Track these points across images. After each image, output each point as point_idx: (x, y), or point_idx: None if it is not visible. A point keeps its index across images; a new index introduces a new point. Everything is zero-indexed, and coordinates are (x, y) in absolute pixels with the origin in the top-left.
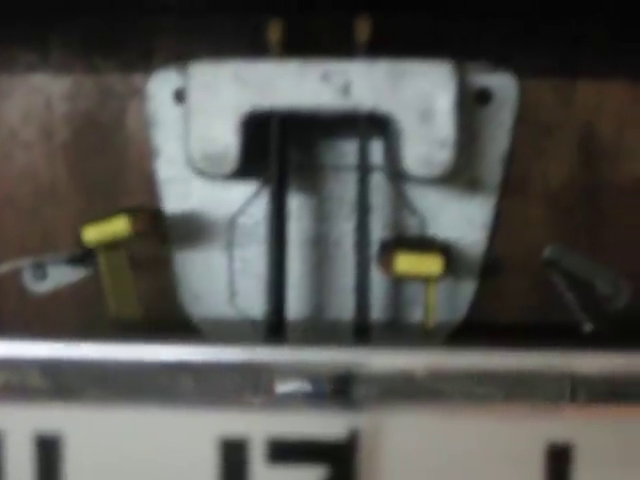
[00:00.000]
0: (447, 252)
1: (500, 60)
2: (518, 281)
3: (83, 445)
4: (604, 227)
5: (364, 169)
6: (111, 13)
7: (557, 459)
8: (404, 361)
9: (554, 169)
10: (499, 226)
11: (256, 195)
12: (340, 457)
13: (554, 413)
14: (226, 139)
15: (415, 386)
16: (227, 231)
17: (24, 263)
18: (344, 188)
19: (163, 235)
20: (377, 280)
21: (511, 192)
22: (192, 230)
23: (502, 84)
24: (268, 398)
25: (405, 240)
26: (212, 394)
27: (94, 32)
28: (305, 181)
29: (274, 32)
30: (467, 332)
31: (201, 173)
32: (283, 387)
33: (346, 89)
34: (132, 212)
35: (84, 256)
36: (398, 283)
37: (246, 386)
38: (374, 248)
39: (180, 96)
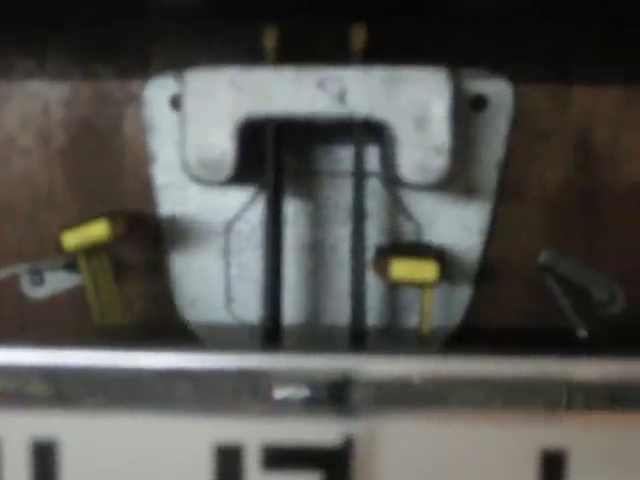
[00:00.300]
0: (442, 258)
1: (495, 66)
2: (514, 286)
3: (79, 452)
4: (600, 232)
5: (360, 175)
6: (108, 20)
7: (551, 466)
8: (400, 367)
9: (550, 174)
10: (495, 232)
11: (252, 201)
12: (335, 463)
13: (548, 420)
14: (222, 146)
15: (411, 392)
16: (223, 237)
17: (21, 269)
18: (340, 194)
19: (153, 239)
20: (373, 286)
21: (507, 198)
22: (188, 236)
23: (497, 90)
24: (266, 404)
25: (400, 246)
26: (209, 401)
27: (91, 39)
28: (301, 187)
29: (269, 40)
30: (463, 338)
31: (197, 179)
32: (281, 393)
33: (342, 96)
34: (112, 216)
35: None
36: (394, 289)
37: (244, 393)
38: (370, 254)
39: (177, 102)
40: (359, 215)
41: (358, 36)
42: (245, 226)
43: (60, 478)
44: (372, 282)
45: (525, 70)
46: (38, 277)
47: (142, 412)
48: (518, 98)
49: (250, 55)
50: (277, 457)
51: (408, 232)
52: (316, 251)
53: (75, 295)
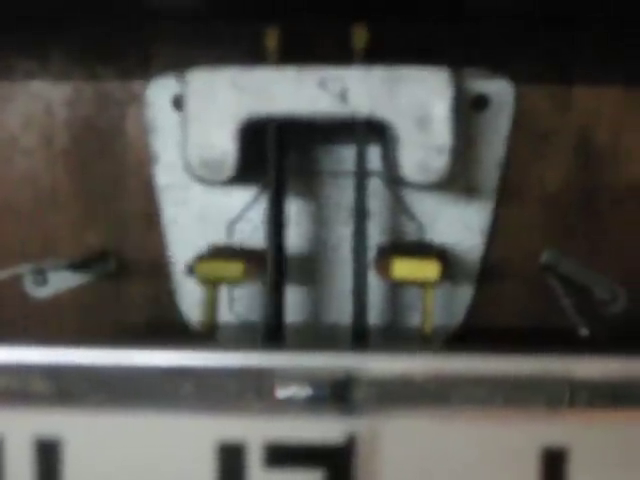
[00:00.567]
0: (444, 257)
1: (497, 66)
2: (515, 286)
3: (83, 449)
4: (601, 232)
5: (361, 175)
6: (110, 20)
7: (552, 463)
8: (402, 366)
9: (551, 174)
10: (496, 231)
11: (255, 201)
12: (338, 461)
13: (550, 418)
14: (224, 146)
15: (413, 390)
16: (226, 236)
17: (24, 269)
18: (342, 194)
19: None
20: (375, 285)
21: (508, 197)
22: (191, 235)
23: (499, 90)
24: (269, 403)
25: (402, 245)
26: (212, 399)
27: (93, 39)
28: (303, 187)
29: (271, 40)
30: (465, 337)
31: (199, 180)
32: (284, 392)
33: (343, 96)
34: (246, 256)
35: (84, 262)
36: (396, 288)
37: (247, 391)
38: (372, 253)
39: (179, 103)
40: (361, 215)
41: (359, 36)
42: (247, 226)
43: (63, 476)
44: (374, 281)
45: (526, 70)
46: (41, 277)
47: (145, 410)
48: (519, 98)
49: (251, 55)
50: (280, 455)
51: (410, 232)
52: (318, 250)
53: (78, 295)
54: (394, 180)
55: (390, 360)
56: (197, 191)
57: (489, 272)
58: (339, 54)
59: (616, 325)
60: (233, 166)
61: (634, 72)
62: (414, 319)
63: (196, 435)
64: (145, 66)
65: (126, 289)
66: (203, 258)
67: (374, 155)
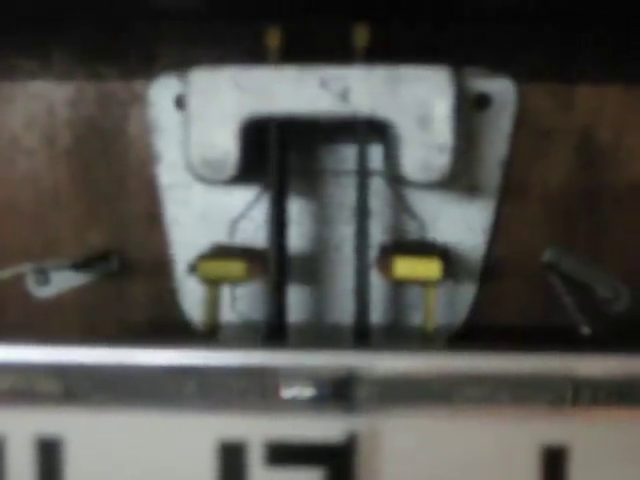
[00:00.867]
0: (446, 256)
1: (498, 65)
2: (518, 284)
3: (84, 448)
4: (603, 230)
5: (363, 174)
6: (112, 20)
7: (552, 461)
8: (404, 364)
9: (553, 173)
10: (498, 230)
11: (257, 200)
12: (339, 460)
13: (549, 416)
14: (226, 145)
15: (415, 389)
16: (228, 235)
17: (27, 268)
18: (344, 193)
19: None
20: (377, 284)
21: (510, 196)
22: (193, 235)
23: (501, 89)
24: (271, 402)
25: (404, 244)
26: (214, 398)
27: (95, 39)
28: (305, 186)
29: (272, 39)
30: (467, 336)
31: (201, 179)
32: (289, 391)
33: (344, 95)
34: (248, 256)
35: (87, 262)
36: (398, 287)
37: (252, 390)
38: (374, 252)
39: (181, 102)
40: (363, 214)
41: (361, 35)
42: (250, 225)
43: (64, 475)
44: (376, 280)
45: (528, 69)
46: (44, 276)
47: (146, 409)
48: (521, 97)
49: (253, 55)
50: (281, 453)
51: (412, 230)
52: (320, 249)
53: (81, 294)
54: (396, 179)
55: (392, 359)
56: (199, 190)
57: (491, 270)
58: (340, 53)
59: (618, 323)
60: (235, 165)
61: (636, 71)
62: (416, 318)
63: (197, 433)
64: (147, 66)
65: (128, 288)
66: (205, 257)
67: (376, 154)
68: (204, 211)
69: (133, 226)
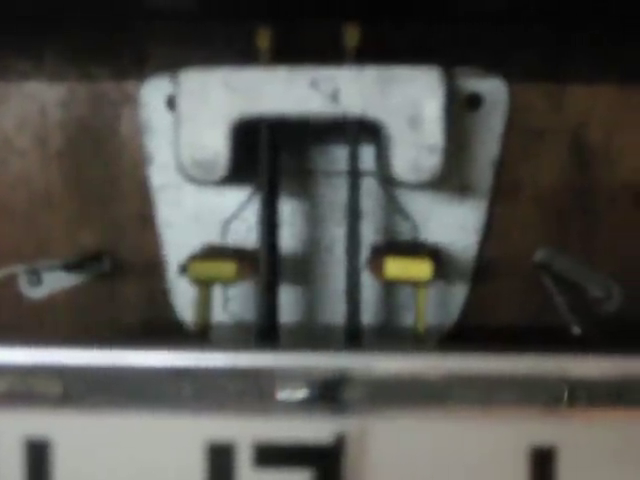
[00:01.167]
0: (437, 257)
1: (490, 65)
2: (510, 285)
3: (72, 450)
4: (595, 230)
5: (355, 174)
6: (104, 21)
7: (541, 462)
8: (395, 365)
9: (545, 173)
10: (490, 230)
11: (249, 201)
12: (327, 461)
13: (537, 417)
14: (216, 146)
15: (405, 390)
16: (220, 236)
17: (19, 269)
18: (335, 193)
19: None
20: (369, 285)
21: (502, 196)
22: (185, 236)
23: (492, 89)
24: (266, 403)
25: (395, 245)
26: (203, 400)
27: (87, 40)
28: (296, 186)
29: (263, 40)
30: (459, 336)
31: (192, 180)
32: (283, 393)
33: (335, 96)
34: (239, 256)
35: (79, 262)
36: (389, 287)
37: (246, 392)
38: (366, 253)
39: (173, 103)
40: (354, 214)
41: (351, 35)
42: (242, 225)
43: (53, 477)
44: (368, 281)
45: (520, 69)
46: (36, 277)
47: (134, 411)
48: (513, 97)
49: (245, 55)
50: (269, 455)
51: (404, 231)
52: (312, 250)
53: (73, 295)
54: (387, 180)
55: (384, 360)
56: (191, 191)
57: (483, 271)
58: (331, 54)
59: (610, 323)
60: (225, 166)
61: (628, 70)
62: (408, 318)
63: (187, 435)
64: (139, 66)
65: (121, 289)
66: (196, 258)
67: (367, 154)
68: (196, 212)
69: (125, 227)
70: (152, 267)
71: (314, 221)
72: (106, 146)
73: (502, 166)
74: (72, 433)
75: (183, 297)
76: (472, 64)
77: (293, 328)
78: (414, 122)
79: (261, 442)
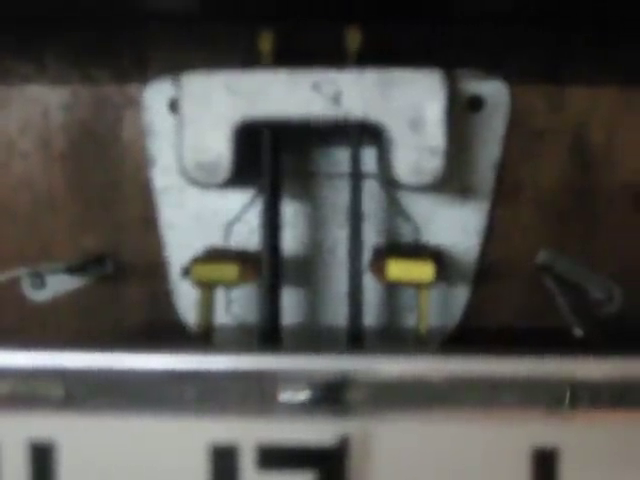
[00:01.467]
0: (439, 258)
1: (491, 67)
2: (511, 286)
3: (77, 453)
4: (597, 232)
5: (357, 177)
6: (106, 23)
7: (543, 464)
8: (398, 367)
9: (546, 174)
10: (492, 232)
11: (251, 203)
12: (330, 463)
13: (540, 419)
14: (218, 148)
15: (408, 392)
16: (223, 238)
17: (22, 272)
18: (337, 195)
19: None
20: (371, 287)
21: (504, 198)
22: (188, 238)
23: (493, 91)
24: (269, 406)
25: (398, 247)
26: (209, 402)
27: (89, 42)
28: (299, 189)
29: (265, 43)
30: (461, 338)
31: (194, 182)
32: (285, 395)
33: (336, 98)
34: (241, 259)
35: (82, 265)
36: (392, 289)
37: (250, 394)
38: (368, 255)
39: (175, 106)
40: (356, 216)
41: (353, 38)
42: (244, 228)
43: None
44: (370, 283)
45: (521, 70)
46: (39, 280)
47: (137, 413)
48: (514, 98)
49: (246, 58)
50: (272, 457)
51: (406, 233)
52: (314, 252)
53: (76, 297)
54: (389, 182)
55: (386, 362)
56: (194, 194)
57: (485, 273)
58: (333, 57)
59: (611, 325)
60: (228, 169)
61: (628, 71)
62: (410, 320)
63: (189, 437)
64: (141, 69)
65: (124, 291)
66: (198, 260)
67: (369, 157)
68: (198, 214)
69: (128, 229)
70: (155, 269)
71: (316, 223)
72: (109, 149)
73: (503, 168)
74: (76, 436)
75: (186, 299)
76: (473, 66)
77: (295, 330)
78: (416, 124)
79: (264, 444)
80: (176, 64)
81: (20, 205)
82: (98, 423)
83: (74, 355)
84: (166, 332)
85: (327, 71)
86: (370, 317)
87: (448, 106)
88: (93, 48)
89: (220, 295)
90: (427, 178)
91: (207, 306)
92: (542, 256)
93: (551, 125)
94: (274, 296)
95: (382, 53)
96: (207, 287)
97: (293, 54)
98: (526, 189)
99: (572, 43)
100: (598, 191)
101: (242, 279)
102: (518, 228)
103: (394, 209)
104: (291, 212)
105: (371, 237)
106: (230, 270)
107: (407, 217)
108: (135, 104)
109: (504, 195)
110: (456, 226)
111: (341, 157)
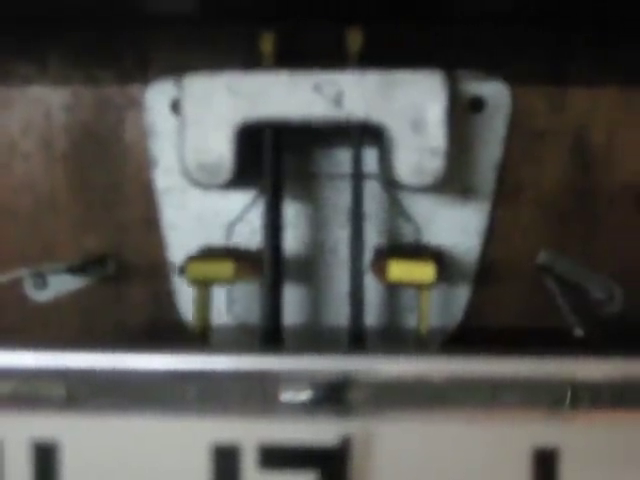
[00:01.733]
0: (440, 259)
1: (492, 68)
2: (512, 287)
3: (79, 453)
4: (597, 233)
5: (358, 178)
6: (108, 24)
7: (544, 464)
8: (399, 368)
9: (547, 175)
10: (493, 232)
11: (253, 203)
12: (332, 463)
13: (547, 419)
14: (220, 150)
15: (409, 392)
16: (225, 239)
17: (24, 272)
18: (339, 196)
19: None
20: (372, 287)
21: (504, 199)
22: (190, 239)
23: (494, 92)
24: (271, 406)
25: (399, 247)
26: (211, 402)
27: (91, 43)
28: (300, 189)
29: (266, 44)
30: (462, 338)
31: (196, 183)
32: (287, 395)
33: (338, 100)
34: (237, 257)
35: (84, 265)
36: (393, 290)
37: (251, 394)
38: (369, 255)
39: (177, 107)
40: (358, 217)
41: (354, 39)
42: (246, 228)
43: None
44: (371, 283)
45: (521, 71)
46: (41, 280)
47: (140, 413)
48: (515, 99)
49: (248, 59)
50: (274, 457)
51: (407, 234)
52: (315, 253)
53: (78, 298)
54: (390, 183)
55: (387, 362)
56: (196, 194)
57: (486, 273)
58: (334, 58)
59: (612, 325)
60: (230, 170)
61: (629, 72)
62: (411, 321)
63: (191, 437)
64: (143, 70)
65: (126, 291)
66: (193, 259)
67: (371, 158)
68: (200, 215)
69: (130, 230)
70: (157, 270)
71: (318, 224)
72: (111, 150)
73: (504, 169)
74: (78, 436)
75: (187, 299)
76: (474, 67)
77: (297, 330)
78: (417, 125)
79: (266, 444)
80: (178, 65)
81: (22, 206)
82: (100, 423)
83: (76, 355)
84: (168, 332)
85: (328, 72)
86: (371, 317)
87: (449, 107)
88: (95, 49)
89: (222, 295)
90: (428, 179)
91: (203, 305)
92: (543, 256)
93: (552, 126)
94: (276, 296)
95: (383, 54)
96: (203, 285)
97: (294, 55)
98: (527, 190)
99: (572, 43)
100: (599, 192)
101: (238, 277)
102: (519, 229)
103: (395, 210)
104: (292, 213)
105: (372, 237)
106: (226, 268)
107: (408, 218)
108: (137, 105)
109: (505, 196)
110: (457, 227)
111: (342, 158)
